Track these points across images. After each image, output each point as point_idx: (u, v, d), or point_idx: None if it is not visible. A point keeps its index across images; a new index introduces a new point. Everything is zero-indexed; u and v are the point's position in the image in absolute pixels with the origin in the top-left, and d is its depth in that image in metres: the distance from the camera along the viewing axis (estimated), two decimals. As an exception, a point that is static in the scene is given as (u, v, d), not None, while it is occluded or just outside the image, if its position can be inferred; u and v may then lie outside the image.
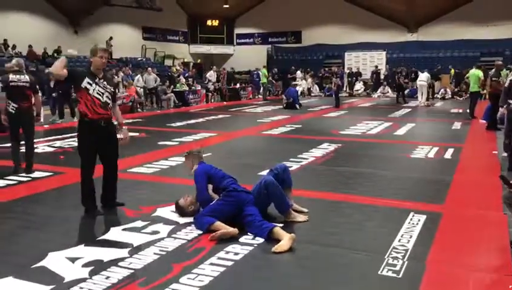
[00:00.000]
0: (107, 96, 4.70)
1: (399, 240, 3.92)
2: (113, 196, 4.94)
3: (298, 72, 25.25)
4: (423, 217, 4.50)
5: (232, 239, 3.91)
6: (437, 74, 22.69)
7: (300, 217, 4.50)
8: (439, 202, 5.11)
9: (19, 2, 21.52)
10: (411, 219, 4.45)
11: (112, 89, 4.78)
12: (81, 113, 4.73)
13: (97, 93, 4.62)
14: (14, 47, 20.36)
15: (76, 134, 4.82)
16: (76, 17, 24.66)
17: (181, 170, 5.96)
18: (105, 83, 4.69)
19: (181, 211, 4.53)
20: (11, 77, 6.54)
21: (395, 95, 20.55)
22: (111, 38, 24.44)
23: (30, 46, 20.16)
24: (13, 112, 6.48)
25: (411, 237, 4.01)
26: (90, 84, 4.59)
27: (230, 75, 24.10)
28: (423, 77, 18.59)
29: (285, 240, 3.77)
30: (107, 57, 4.90)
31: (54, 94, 13.33)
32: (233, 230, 3.97)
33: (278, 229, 3.97)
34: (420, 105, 18.08)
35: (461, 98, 21.68)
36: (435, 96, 21.95)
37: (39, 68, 17.89)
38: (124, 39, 25.87)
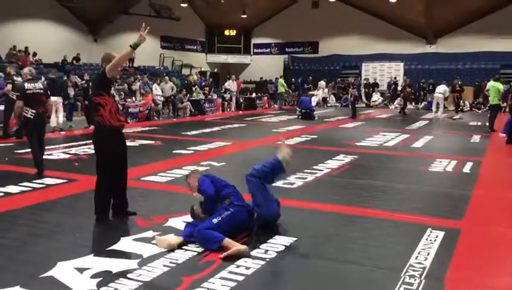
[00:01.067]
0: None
1: (416, 257, 3.79)
2: (126, 204, 4.88)
3: (322, 81, 24.99)
4: (441, 234, 4.35)
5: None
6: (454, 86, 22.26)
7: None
8: (457, 217, 4.96)
9: (40, 11, 21.87)
10: (429, 235, 4.31)
11: (120, 95, 4.81)
12: (101, 121, 4.54)
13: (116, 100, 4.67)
14: (34, 54, 20.65)
15: (97, 143, 4.67)
16: (96, 26, 24.98)
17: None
18: (118, 86, 4.71)
19: (194, 216, 4.47)
20: (27, 85, 6.87)
21: (414, 106, 20.37)
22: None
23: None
24: (32, 117, 6.79)
25: (428, 254, 3.88)
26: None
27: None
28: (440, 89, 18.31)
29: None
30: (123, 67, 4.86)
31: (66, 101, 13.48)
32: (244, 248, 3.81)
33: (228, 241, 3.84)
34: (436, 117, 17.78)
35: (480, 111, 21.35)
36: (460, 108, 21.39)
37: (58, 75, 18.09)
38: (143, 48, 25.55)
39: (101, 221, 4.63)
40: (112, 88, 4.61)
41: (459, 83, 21.53)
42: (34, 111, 6.76)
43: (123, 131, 4.81)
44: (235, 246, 3.79)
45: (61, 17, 23.10)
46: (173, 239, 3.99)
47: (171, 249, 3.89)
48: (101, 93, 4.55)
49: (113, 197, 4.79)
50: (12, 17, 20.70)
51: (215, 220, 4.04)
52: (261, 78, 30.04)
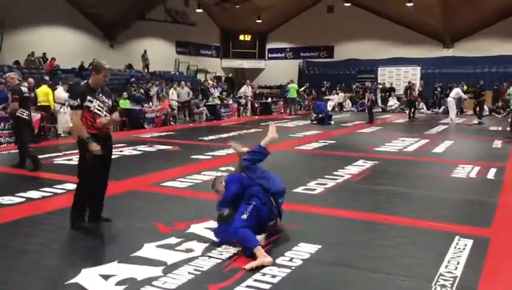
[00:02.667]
0: (106, 110, 4.67)
1: (446, 266, 3.69)
2: (100, 210, 4.79)
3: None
4: (470, 242, 4.24)
5: (269, 260, 3.75)
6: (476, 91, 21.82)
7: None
8: (486, 225, 4.83)
9: (57, 17, 22.09)
10: (457, 244, 4.20)
11: (110, 102, 4.75)
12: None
13: (97, 109, 4.58)
14: (52, 60, 20.83)
15: (79, 150, 4.65)
16: (112, 32, 25.16)
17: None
18: (103, 97, 4.66)
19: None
20: (24, 89, 7.75)
21: (432, 111, 20.08)
22: (145, 51, 24.87)
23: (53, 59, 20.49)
24: (28, 118, 7.72)
25: (458, 263, 3.77)
26: (91, 102, 4.54)
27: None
28: (452, 93, 18.21)
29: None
30: (108, 76, 4.84)
31: None
32: (270, 260, 3.72)
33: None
34: (450, 120, 17.62)
35: (499, 116, 21.01)
36: (484, 113, 20.78)
37: (75, 81, 18.27)
38: (158, 53, 26.24)
39: (75, 226, 4.59)
40: (91, 99, 4.54)
41: (464, 87, 21.21)
42: (28, 112, 7.70)
43: (108, 137, 4.78)
44: (263, 257, 3.71)
45: (77, 23, 23.30)
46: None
47: (195, 257, 3.84)
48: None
49: (90, 206, 4.73)
50: (30, 24, 20.92)
51: (244, 216, 4.08)
52: (280, 84, 29.72)
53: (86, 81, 4.87)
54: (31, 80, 12.24)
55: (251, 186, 4.42)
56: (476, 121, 17.45)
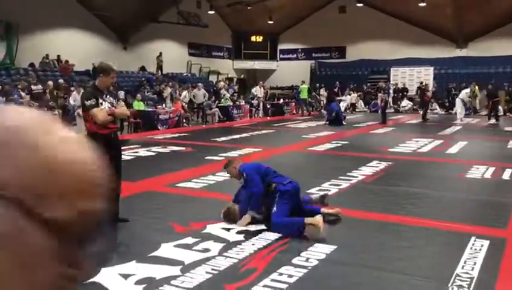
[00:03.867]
0: None
1: (462, 267, 3.69)
2: (117, 211, 4.77)
3: (321, 90, 24.93)
4: (486, 243, 4.23)
5: (285, 260, 3.79)
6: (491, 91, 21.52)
7: None
8: (502, 226, 4.81)
9: (71, 19, 22.34)
10: (473, 244, 4.20)
11: (115, 102, 4.81)
12: (89, 131, 4.68)
13: (106, 109, 4.65)
14: (66, 62, 21.10)
15: None
16: (125, 34, 25.39)
17: (229, 186, 5.88)
18: (111, 98, 4.75)
19: (229, 217, 4.69)
20: (33, 87, 9.67)
21: (446, 111, 19.96)
22: (160, 54, 25.05)
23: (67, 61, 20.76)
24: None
25: (475, 263, 3.77)
26: (101, 104, 4.61)
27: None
28: (460, 94, 18.26)
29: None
30: (115, 78, 4.96)
31: None
32: (320, 220, 4.35)
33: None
34: (460, 121, 17.60)
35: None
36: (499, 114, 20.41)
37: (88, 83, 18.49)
38: (170, 55, 26.40)
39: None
40: (100, 100, 4.62)
41: (475, 88, 21.03)
42: (37, 104, 9.81)
43: (117, 137, 4.91)
44: (314, 221, 4.33)
45: (91, 26, 23.55)
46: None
47: (212, 256, 3.89)
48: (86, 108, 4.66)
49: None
50: (44, 26, 21.19)
51: (274, 209, 4.40)
52: (292, 85, 29.66)
53: (92, 83, 4.94)
54: (50, 82, 12.49)
55: (267, 175, 4.70)
56: (492, 122, 17.27)
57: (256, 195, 4.62)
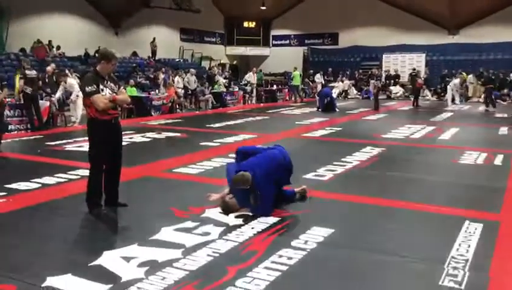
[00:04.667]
0: None
1: (457, 249, 3.78)
2: (116, 196, 4.90)
3: (318, 74, 24.95)
4: (480, 226, 4.33)
5: (284, 243, 3.86)
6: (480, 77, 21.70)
7: None
8: (495, 210, 4.92)
9: (62, 4, 22.09)
10: (467, 228, 4.29)
11: (116, 89, 4.79)
12: (91, 117, 4.70)
13: (107, 95, 4.65)
14: (58, 48, 20.91)
15: (89, 136, 4.79)
16: (117, 19, 25.15)
17: (224, 171, 5.92)
18: (111, 84, 4.74)
19: (228, 208, 4.66)
20: (27, 72, 10.80)
21: (438, 98, 20.12)
22: (154, 39, 24.89)
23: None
24: (30, 93, 10.68)
25: (469, 246, 3.86)
26: (102, 90, 4.62)
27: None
28: (451, 82, 18.58)
29: None
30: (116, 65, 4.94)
31: None
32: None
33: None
34: (449, 108, 17.86)
35: (505, 102, 21.01)
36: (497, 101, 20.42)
37: (79, 69, 18.37)
38: (163, 40, 26.21)
39: (93, 211, 4.67)
40: (102, 87, 4.62)
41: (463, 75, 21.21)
42: (31, 89, 10.63)
43: (118, 123, 4.86)
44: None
45: (82, 11, 23.30)
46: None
47: (212, 240, 3.95)
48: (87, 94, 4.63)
49: (106, 189, 4.82)
50: (35, 11, 20.94)
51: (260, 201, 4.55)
52: (285, 72, 29.63)
53: (92, 68, 4.89)
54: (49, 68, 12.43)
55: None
56: (490, 108, 17.33)
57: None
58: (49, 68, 12.30)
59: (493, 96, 18.34)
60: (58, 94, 12.19)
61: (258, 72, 23.24)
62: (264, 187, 4.54)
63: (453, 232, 4.18)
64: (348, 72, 26.79)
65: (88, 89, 4.58)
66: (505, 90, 22.05)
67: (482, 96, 19.85)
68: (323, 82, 24.10)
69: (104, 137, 4.67)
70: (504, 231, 4.26)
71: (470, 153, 8.19)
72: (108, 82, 4.72)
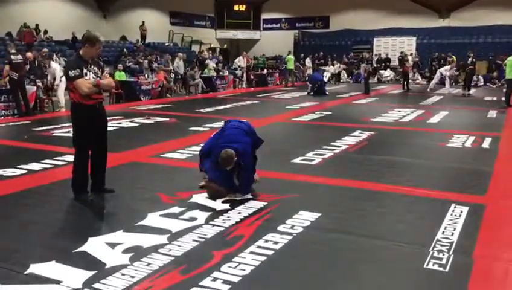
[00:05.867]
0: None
1: (443, 233, 3.81)
2: (103, 182, 4.87)
3: (307, 59, 24.87)
4: (465, 209, 4.36)
5: (270, 228, 3.86)
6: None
7: None
8: (481, 193, 4.95)
9: (49, -13, 21.75)
10: (453, 211, 4.32)
11: (100, 73, 4.71)
12: (75, 102, 4.61)
13: (91, 80, 4.58)
14: (45, 32, 20.60)
15: (74, 122, 4.70)
16: (105, 2, 24.77)
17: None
18: (95, 68, 4.66)
19: (218, 193, 4.66)
20: (13, 57, 10.74)
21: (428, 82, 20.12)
22: (143, 23, 24.60)
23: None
24: (15, 78, 10.56)
25: (455, 229, 3.89)
26: (85, 74, 4.54)
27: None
28: (442, 68, 18.67)
29: None
30: (101, 49, 4.86)
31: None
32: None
33: None
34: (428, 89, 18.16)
35: (494, 86, 21.09)
36: (474, 83, 20.18)
37: (67, 53, 18.14)
38: (152, 24, 25.90)
39: (79, 197, 4.64)
40: (85, 71, 4.55)
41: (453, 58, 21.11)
42: (16, 74, 10.53)
43: (103, 108, 4.81)
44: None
45: (70, -7, 22.96)
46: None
47: (198, 225, 3.94)
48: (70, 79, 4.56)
49: (92, 176, 4.79)
50: (22, -6, 20.61)
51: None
52: (275, 56, 29.44)
53: (75, 52, 4.81)
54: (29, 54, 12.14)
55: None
56: (465, 92, 17.28)
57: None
58: (29, 54, 12.07)
59: (471, 81, 18.29)
60: (49, 78, 12.09)
61: (261, 56, 22.95)
62: (247, 156, 4.66)
63: (439, 215, 4.21)
64: (339, 57, 26.63)
65: (72, 73, 4.51)
66: (495, 74, 22.10)
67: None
68: (311, 66, 24.00)
69: (88, 122, 4.62)
70: (489, 214, 4.28)
71: (458, 136, 8.22)
72: (92, 66, 4.63)
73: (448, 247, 3.52)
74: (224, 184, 4.68)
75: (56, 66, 12.24)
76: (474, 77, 21.80)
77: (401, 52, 24.26)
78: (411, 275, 3.16)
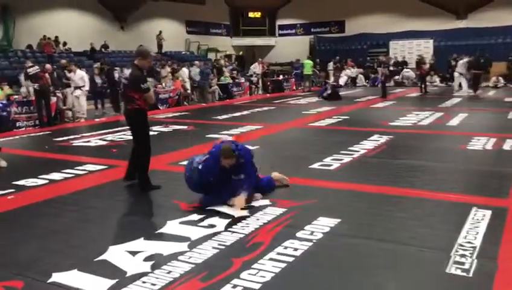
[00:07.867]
0: None
1: (465, 237, 3.75)
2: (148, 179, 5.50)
3: (331, 63, 24.81)
4: (488, 213, 4.28)
5: (289, 234, 3.84)
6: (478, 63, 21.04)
7: None
8: (503, 196, 4.86)
9: (67, 0, 22.11)
10: (475, 214, 4.25)
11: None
12: (139, 108, 5.30)
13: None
14: (64, 44, 20.96)
15: (140, 125, 5.40)
16: (122, 13, 25.10)
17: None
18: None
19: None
20: (29, 69, 11.09)
21: (446, 84, 19.83)
22: (160, 32, 24.87)
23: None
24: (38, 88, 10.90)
25: (477, 233, 3.82)
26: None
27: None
28: (458, 66, 18.31)
29: None
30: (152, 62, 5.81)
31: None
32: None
33: None
34: (465, 94, 17.57)
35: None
36: (480, 86, 20.12)
37: (86, 64, 18.40)
38: (169, 33, 26.15)
39: (153, 188, 5.27)
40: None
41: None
42: (37, 84, 10.81)
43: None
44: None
45: (87, 5, 23.26)
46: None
47: (218, 232, 3.95)
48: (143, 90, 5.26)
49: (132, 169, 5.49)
50: (40, 7, 20.97)
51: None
52: (291, 61, 29.42)
53: (134, 66, 5.22)
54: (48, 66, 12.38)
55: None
56: (472, 93, 17.01)
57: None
58: (48, 66, 12.28)
59: (479, 82, 18.02)
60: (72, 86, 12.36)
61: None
62: (245, 151, 4.77)
63: (461, 219, 4.14)
64: (358, 60, 26.43)
65: (144, 86, 5.21)
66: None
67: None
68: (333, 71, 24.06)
69: (147, 124, 5.46)
70: (512, 217, 4.20)
71: (479, 138, 8.10)
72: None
73: (471, 251, 3.47)
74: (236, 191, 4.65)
75: (83, 73, 12.46)
76: (494, 78, 21.50)
77: (419, 55, 24.05)
78: (433, 280, 3.11)
